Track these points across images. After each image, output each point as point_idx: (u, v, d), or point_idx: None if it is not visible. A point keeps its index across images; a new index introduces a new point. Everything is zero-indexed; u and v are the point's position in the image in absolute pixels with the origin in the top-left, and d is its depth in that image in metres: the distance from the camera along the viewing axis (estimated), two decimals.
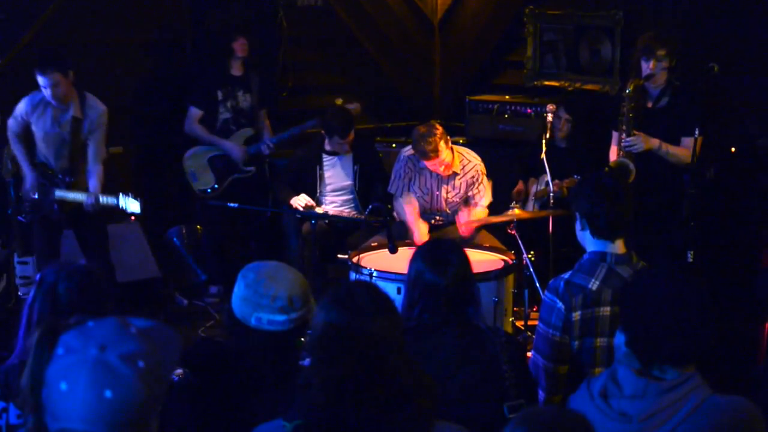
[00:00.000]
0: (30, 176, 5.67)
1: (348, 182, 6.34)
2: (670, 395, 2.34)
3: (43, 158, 5.71)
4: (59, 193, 5.65)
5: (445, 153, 5.61)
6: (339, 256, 5.51)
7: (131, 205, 5.62)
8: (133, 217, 6.80)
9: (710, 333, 2.41)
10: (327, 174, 6.33)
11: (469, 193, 5.87)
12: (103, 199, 5.61)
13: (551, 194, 5.66)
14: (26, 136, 5.69)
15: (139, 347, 1.64)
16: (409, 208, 5.89)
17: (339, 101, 6.52)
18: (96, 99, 5.68)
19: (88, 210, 5.60)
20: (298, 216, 6.23)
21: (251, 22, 7.44)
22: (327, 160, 6.33)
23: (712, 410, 2.30)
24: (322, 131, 6.29)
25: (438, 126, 5.65)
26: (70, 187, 5.66)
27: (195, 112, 6.60)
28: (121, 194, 5.61)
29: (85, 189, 5.64)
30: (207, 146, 6.62)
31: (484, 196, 5.86)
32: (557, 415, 1.91)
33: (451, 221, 5.95)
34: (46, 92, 5.42)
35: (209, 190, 6.57)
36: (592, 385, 2.46)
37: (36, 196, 5.68)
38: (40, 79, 5.40)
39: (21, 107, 5.63)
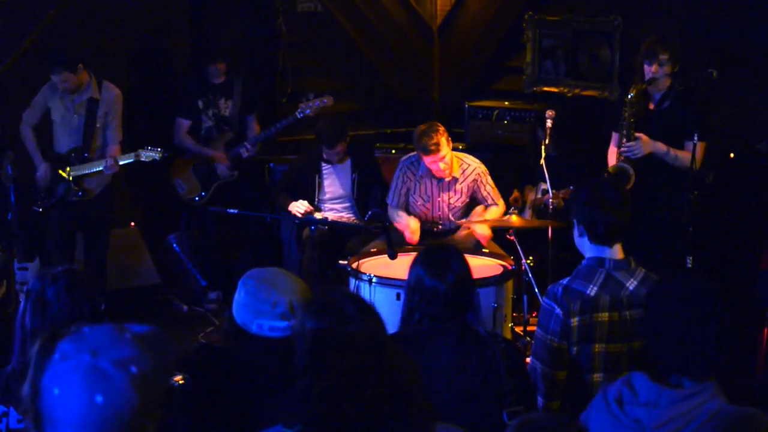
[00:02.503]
0: (41, 166, 5.97)
1: (346, 191, 6.34)
2: (684, 404, 2.33)
3: (56, 146, 6.01)
4: (74, 171, 5.94)
5: (445, 150, 5.60)
6: (340, 262, 5.50)
7: (151, 154, 5.95)
8: (132, 224, 6.84)
9: (729, 348, 2.40)
10: (325, 182, 6.33)
11: (479, 197, 5.86)
12: (122, 160, 5.95)
13: (549, 201, 5.66)
14: (41, 125, 6.01)
15: (132, 352, 1.63)
16: (398, 211, 5.91)
17: (311, 99, 6.53)
18: (111, 84, 6.05)
19: (109, 173, 5.92)
20: (296, 222, 6.24)
21: (250, 27, 7.46)
22: (325, 168, 6.33)
23: (726, 421, 2.29)
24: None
25: (440, 125, 5.66)
26: (83, 162, 5.95)
27: (183, 123, 6.61)
28: (140, 149, 5.95)
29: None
30: (188, 156, 6.62)
31: (497, 197, 5.87)
32: (553, 424, 1.91)
33: (453, 229, 5.95)
34: (62, 85, 5.82)
35: (197, 199, 6.58)
36: (608, 392, 2.45)
37: (49, 184, 5.97)
38: (54, 77, 5.79)
39: (41, 93, 5.99)
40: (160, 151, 5.94)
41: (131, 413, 1.61)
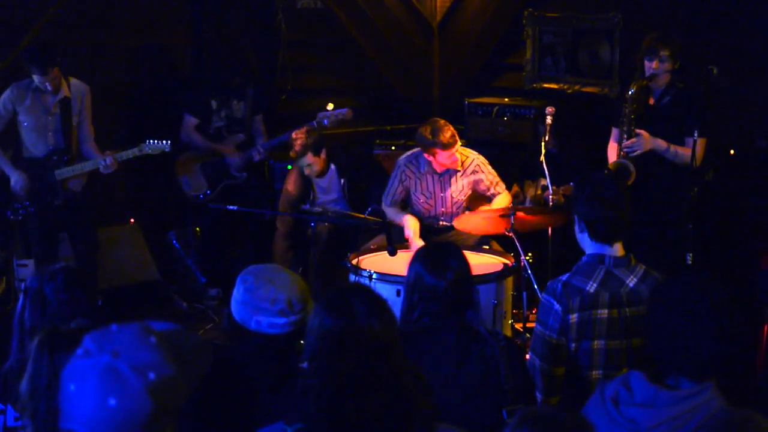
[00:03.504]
0: (15, 175, 5.72)
1: (337, 195, 6.35)
2: (680, 406, 2.32)
3: (30, 150, 5.75)
4: (61, 174, 5.75)
5: (458, 167, 5.71)
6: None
7: (158, 146, 5.85)
8: (132, 220, 6.84)
9: (729, 350, 2.39)
10: (318, 191, 6.35)
11: (480, 188, 5.86)
12: (121, 155, 5.80)
13: (549, 198, 5.65)
14: (8, 131, 5.74)
15: (153, 358, 1.61)
16: (397, 210, 5.91)
17: (330, 106, 6.51)
18: (77, 80, 5.83)
19: (107, 172, 5.77)
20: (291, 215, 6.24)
21: (250, 24, 7.46)
22: (315, 178, 6.34)
23: (721, 423, 2.27)
24: None
25: (433, 119, 5.70)
26: (69, 163, 5.76)
27: (191, 121, 6.62)
28: (142, 143, 5.82)
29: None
30: (197, 153, 6.63)
31: (498, 182, 5.88)
32: (557, 415, 1.90)
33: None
34: (45, 86, 5.59)
35: (201, 196, 6.59)
36: (605, 390, 2.45)
37: (30, 192, 5.71)
38: (39, 78, 5.55)
39: (7, 99, 5.69)
40: (167, 142, 5.88)
41: (144, 419, 1.58)
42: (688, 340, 2.40)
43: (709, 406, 2.31)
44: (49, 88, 5.61)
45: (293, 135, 6.19)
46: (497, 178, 5.90)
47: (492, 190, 5.86)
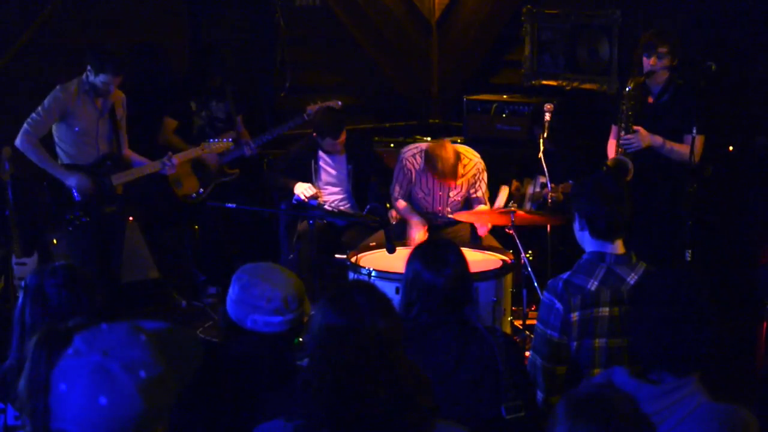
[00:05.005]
0: (73, 177, 5.47)
1: (342, 180, 6.33)
2: (663, 400, 2.32)
3: (74, 157, 5.56)
4: (118, 179, 5.64)
5: (461, 169, 5.73)
6: (337, 256, 5.50)
7: (222, 144, 5.91)
8: (131, 218, 6.83)
9: (712, 344, 2.40)
10: (322, 171, 6.31)
11: (471, 192, 5.88)
12: (185, 154, 5.80)
13: (547, 195, 5.65)
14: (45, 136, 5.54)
15: (144, 356, 1.61)
16: (407, 206, 5.91)
17: (318, 101, 6.50)
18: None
19: (171, 172, 5.77)
20: (293, 213, 6.23)
21: (249, 21, 7.45)
22: (322, 158, 6.31)
23: (705, 417, 2.28)
24: (314, 134, 6.24)
25: (448, 144, 5.68)
26: (122, 168, 5.67)
27: (170, 123, 6.58)
28: (204, 142, 5.88)
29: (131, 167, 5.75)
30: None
31: (486, 194, 5.90)
32: (610, 399, 1.87)
33: (452, 222, 5.96)
34: (109, 87, 5.44)
35: (194, 195, 6.56)
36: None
37: (79, 198, 5.51)
38: (108, 78, 5.37)
39: (59, 101, 5.41)
40: (230, 140, 5.96)
41: (136, 418, 1.59)
42: (669, 336, 2.40)
43: (692, 401, 2.32)
44: (111, 90, 5.44)
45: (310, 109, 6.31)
46: (487, 193, 5.97)
47: (478, 197, 5.92)
